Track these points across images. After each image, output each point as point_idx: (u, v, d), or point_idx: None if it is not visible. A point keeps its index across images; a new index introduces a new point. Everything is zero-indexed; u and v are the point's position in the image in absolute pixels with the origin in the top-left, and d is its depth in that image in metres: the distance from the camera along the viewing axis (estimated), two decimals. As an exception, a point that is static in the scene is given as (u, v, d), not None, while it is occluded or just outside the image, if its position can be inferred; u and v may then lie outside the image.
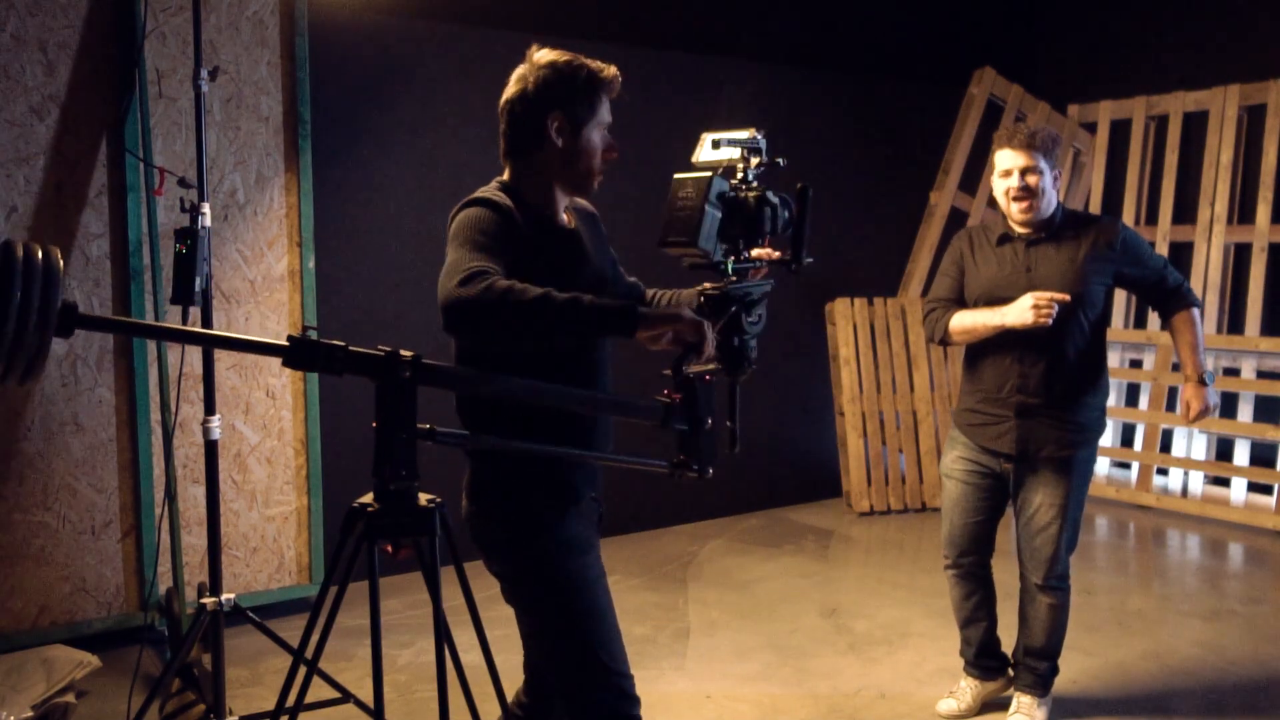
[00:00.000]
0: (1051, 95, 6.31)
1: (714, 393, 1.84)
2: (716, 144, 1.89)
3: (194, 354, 3.41)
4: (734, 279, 1.86)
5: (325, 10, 4.00)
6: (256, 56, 3.75)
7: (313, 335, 1.56)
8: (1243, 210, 5.78)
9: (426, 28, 4.32)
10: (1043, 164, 2.86)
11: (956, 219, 6.03)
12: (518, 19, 4.56)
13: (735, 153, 1.88)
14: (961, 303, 3.05)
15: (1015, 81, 6.13)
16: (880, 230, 6.00)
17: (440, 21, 4.37)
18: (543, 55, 1.95)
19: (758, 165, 1.88)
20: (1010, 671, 3.22)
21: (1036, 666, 3.09)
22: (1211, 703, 3.33)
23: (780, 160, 1.89)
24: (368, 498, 1.70)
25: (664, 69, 5.04)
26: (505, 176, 2.00)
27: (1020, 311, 2.79)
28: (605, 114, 1.97)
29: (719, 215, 1.80)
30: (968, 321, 2.95)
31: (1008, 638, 3.24)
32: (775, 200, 1.83)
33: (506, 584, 2.03)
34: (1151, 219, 6.14)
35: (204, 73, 2.96)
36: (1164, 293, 3.01)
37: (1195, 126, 5.99)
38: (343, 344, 1.57)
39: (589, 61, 1.95)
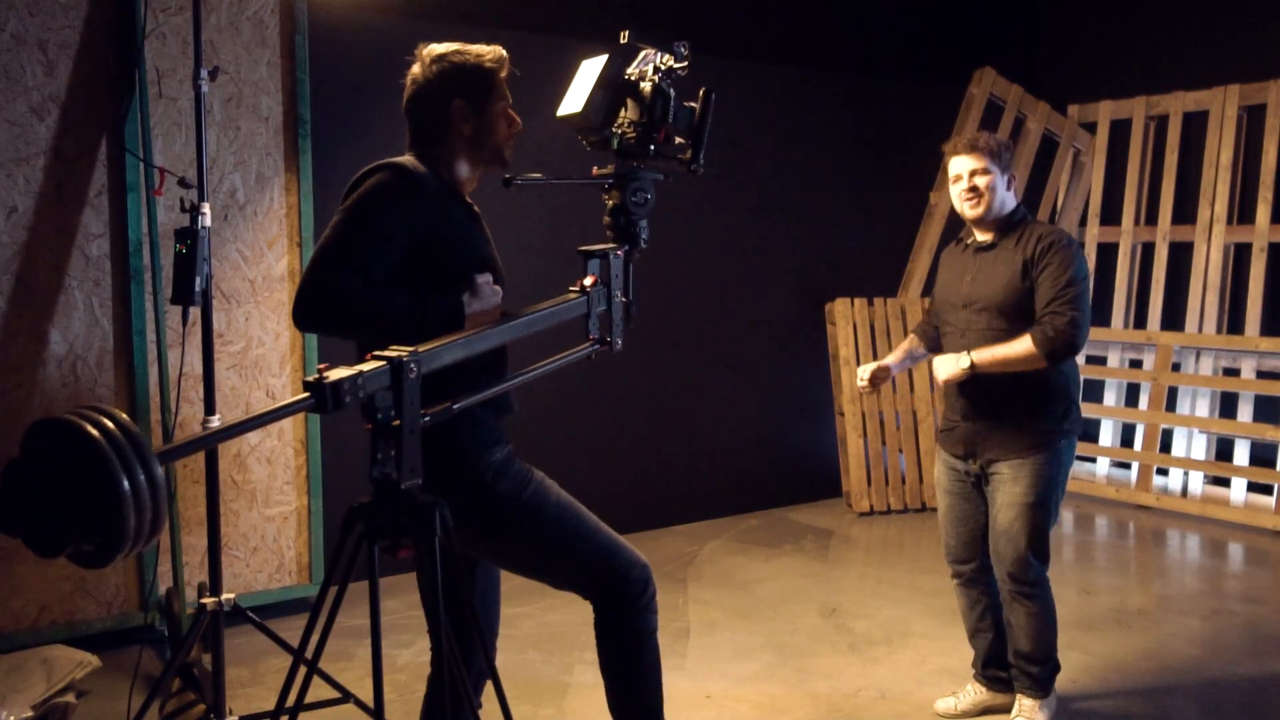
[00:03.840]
0: (1051, 95, 6.31)
1: (620, 271, 1.97)
2: (639, 38, 2.01)
3: (194, 354, 3.41)
4: (629, 161, 1.94)
5: (325, 10, 4.00)
6: (256, 56, 3.75)
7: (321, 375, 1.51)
8: (1243, 210, 5.78)
9: (426, 28, 4.29)
10: (992, 166, 2.93)
11: (956, 219, 6.02)
12: (517, 19, 4.56)
13: (650, 50, 2.01)
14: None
15: (1015, 81, 6.14)
16: (880, 230, 6.01)
17: (440, 21, 4.37)
18: (430, 51, 2.11)
19: (669, 68, 1.97)
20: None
21: (1029, 669, 3.06)
22: (1211, 703, 3.33)
23: (679, 69, 1.97)
24: (366, 497, 1.70)
25: (664, 69, 5.04)
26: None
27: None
28: (503, 94, 2.11)
29: (609, 93, 1.92)
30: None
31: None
32: (670, 93, 1.91)
33: (482, 547, 2.15)
34: (1151, 219, 6.14)
35: (204, 73, 2.96)
36: (1039, 316, 2.84)
37: (1195, 126, 5.99)
38: (354, 372, 1.53)
39: (474, 48, 2.11)
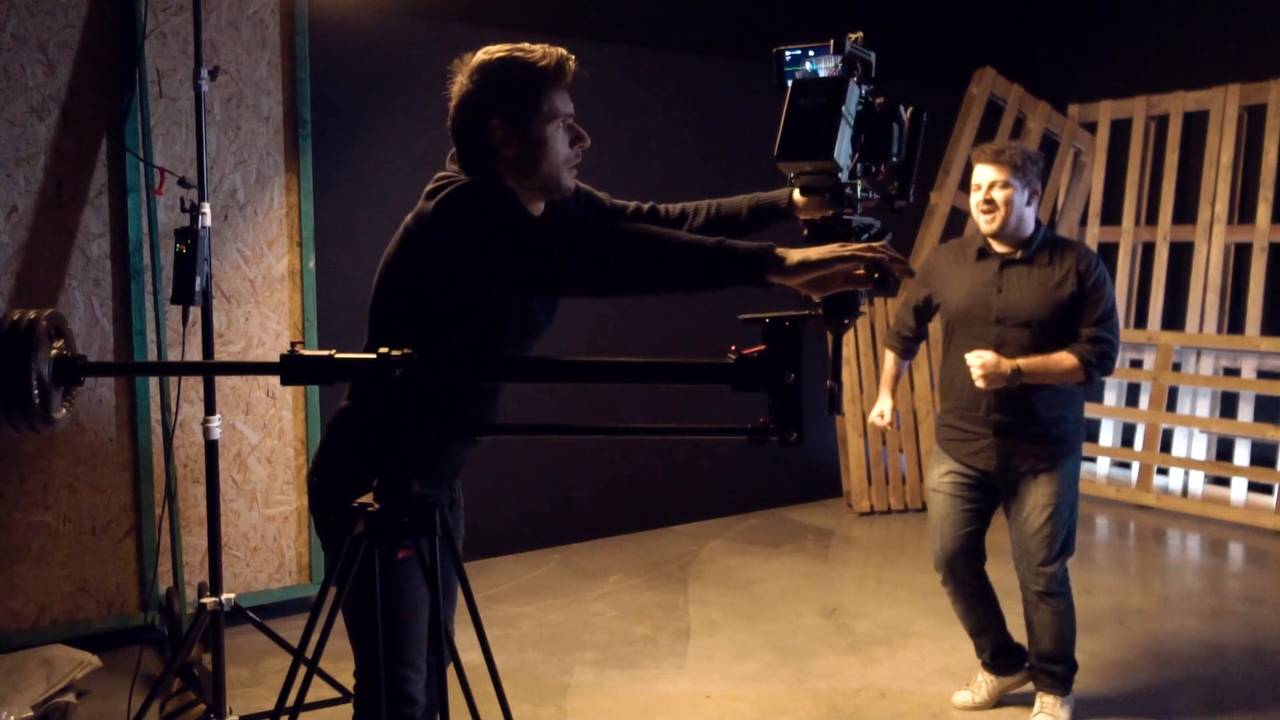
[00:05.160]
0: (1051, 95, 6.31)
1: (800, 344, 1.51)
2: (840, 47, 1.61)
3: (194, 354, 3.41)
4: (851, 210, 1.60)
5: (325, 10, 4.00)
6: (257, 56, 3.75)
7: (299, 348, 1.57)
8: (1243, 210, 5.78)
9: (426, 28, 4.32)
10: (1013, 180, 2.90)
11: (956, 219, 6.03)
12: (518, 19, 4.56)
13: (833, 62, 1.61)
14: (922, 320, 3.26)
15: (1015, 81, 6.13)
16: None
17: (440, 21, 4.37)
18: (472, 60, 1.81)
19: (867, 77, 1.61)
20: (1028, 664, 3.22)
21: (1052, 669, 3.10)
22: (1211, 702, 3.33)
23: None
24: (368, 497, 1.70)
25: (664, 69, 5.04)
26: None
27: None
28: (560, 105, 1.80)
29: (850, 127, 1.54)
30: (884, 376, 3.40)
31: (1018, 631, 3.24)
32: (905, 115, 1.59)
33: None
34: (1151, 219, 6.14)
35: (204, 73, 2.96)
36: (1082, 334, 2.90)
37: (1195, 126, 5.98)
38: (329, 353, 1.57)
39: (524, 53, 1.79)
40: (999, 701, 3.24)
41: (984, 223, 2.95)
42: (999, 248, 2.99)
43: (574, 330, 4.72)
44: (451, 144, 1.90)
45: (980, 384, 2.85)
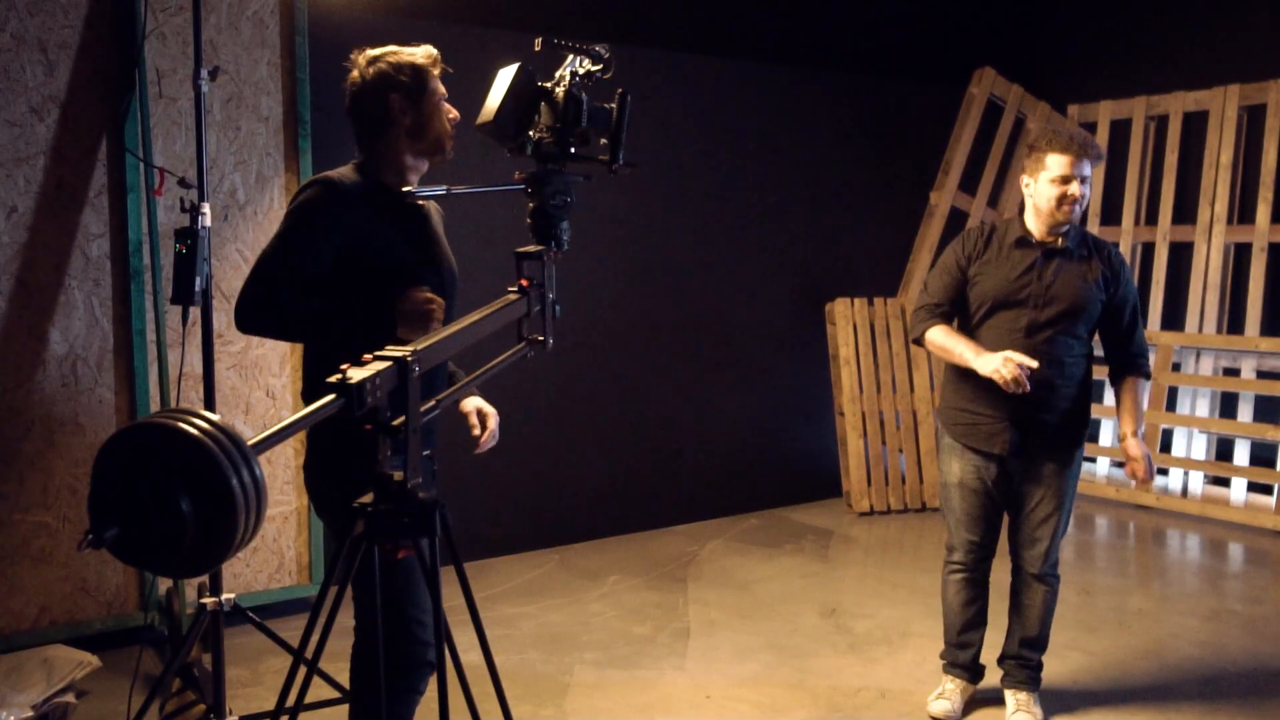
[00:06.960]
0: (1051, 95, 6.31)
1: (554, 271, 2.02)
2: (562, 45, 2.03)
3: (194, 354, 3.41)
4: (547, 164, 1.98)
5: (325, 10, 4.00)
6: (256, 56, 3.75)
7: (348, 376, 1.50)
8: (1243, 210, 5.78)
9: (426, 28, 4.31)
10: (1090, 175, 2.98)
11: (956, 219, 6.03)
12: (518, 19, 4.56)
13: (570, 55, 2.02)
14: (956, 305, 3.08)
15: (1015, 81, 6.14)
16: (880, 230, 6.00)
17: (440, 21, 4.37)
18: (366, 54, 2.28)
19: (588, 73, 2.00)
20: (1002, 663, 3.27)
21: (1031, 659, 3.15)
22: (1211, 702, 3.33)
23: (597, 71, 2.00)
24: (368, 497, 1.70)
25: (664, 69, 5.04)
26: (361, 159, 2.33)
27: (992, 368, 2.83)
28: (438, 88, 2.30)
29: (521, 101, 1.97)
30: (947, 344, 3.00)
31: (993, 641, 3.27)
32: (583, 98, 1.96)
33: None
34: (1151, 219, 6.14)
35: (204, 73, 2.96)
36: (1129, 347, 3.07)
37: (1195, 126, 5.99)
38: (373, 372, 1.50)
39: (406, 49, 2.31)
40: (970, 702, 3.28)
41: (1061, 213, 2.94)
42: (1045, 237, 3.00)
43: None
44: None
45: (1153, 478, 3.03)
